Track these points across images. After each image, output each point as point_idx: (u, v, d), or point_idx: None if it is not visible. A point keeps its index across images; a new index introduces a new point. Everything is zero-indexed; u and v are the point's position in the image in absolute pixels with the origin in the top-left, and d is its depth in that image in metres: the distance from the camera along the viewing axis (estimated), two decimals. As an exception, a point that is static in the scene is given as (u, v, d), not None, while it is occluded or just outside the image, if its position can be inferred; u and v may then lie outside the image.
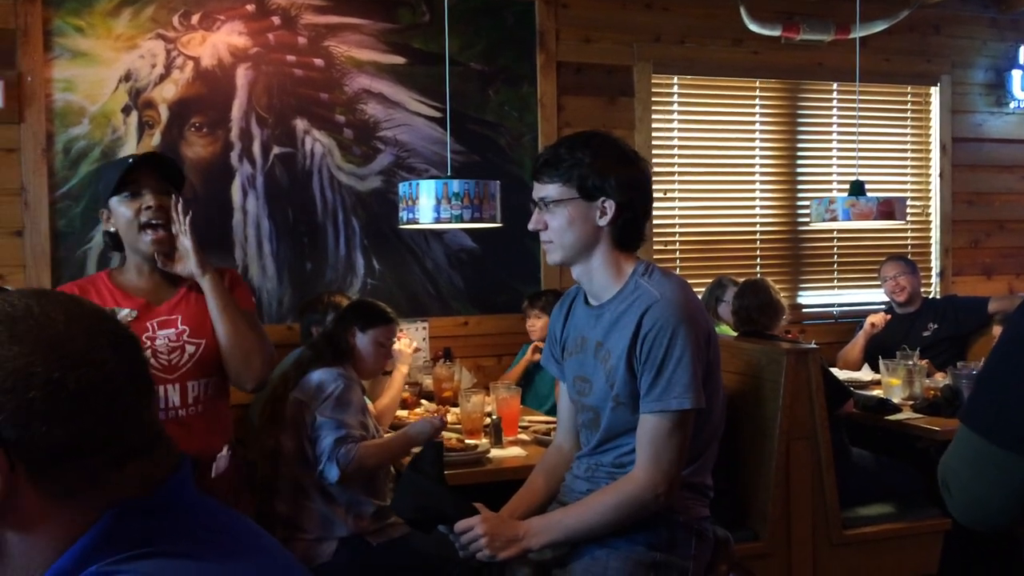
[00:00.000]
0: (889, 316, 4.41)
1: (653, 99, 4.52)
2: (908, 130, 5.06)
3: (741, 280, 3.86)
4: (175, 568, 0.83)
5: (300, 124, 3.96)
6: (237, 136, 3.88)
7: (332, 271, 4.02)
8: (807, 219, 4.51)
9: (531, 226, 1.95)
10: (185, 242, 2.17)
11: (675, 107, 4.62)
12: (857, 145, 4.43)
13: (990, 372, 1.21)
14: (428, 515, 1.89)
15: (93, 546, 0.82)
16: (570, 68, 4.35)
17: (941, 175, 5.04)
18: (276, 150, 3.93)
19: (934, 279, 5.07)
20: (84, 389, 0.81)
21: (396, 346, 3.20)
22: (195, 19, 3.81)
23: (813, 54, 4.72)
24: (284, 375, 2.85)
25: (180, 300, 2.22)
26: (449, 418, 3.42)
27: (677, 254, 4.64)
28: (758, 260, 4.80)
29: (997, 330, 4.02)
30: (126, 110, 3.74)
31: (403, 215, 3.26)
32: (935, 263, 5.08)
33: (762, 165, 4.79)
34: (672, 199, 4.63)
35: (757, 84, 4.75)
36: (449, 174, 3.50)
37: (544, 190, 1.92)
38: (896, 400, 3.56)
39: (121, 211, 2.17)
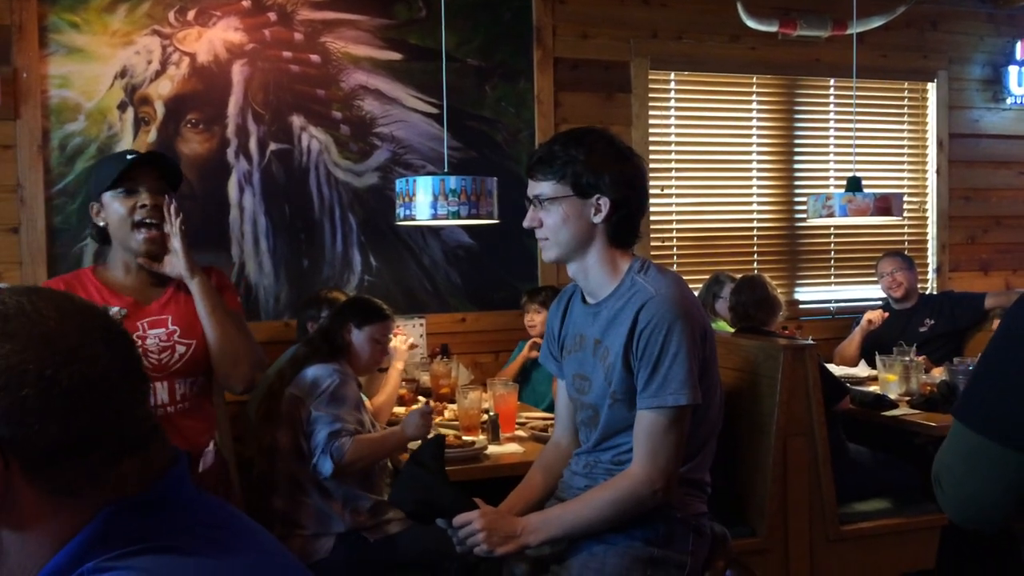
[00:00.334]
0: (886, 313, 4.42)
1: (650, 95, 4.51)
2: (905, 126, 5.06)
3: (738, 276, 3.86)
4: (172, 564, 0.82)
5: (297, 120, 3.95)
6: (233, 132, 3.87)
7: (329, 267, 4.02)
8: (804, 215, 4.51)
9: (526, 223, 1.95)
10: (176, 243, 2.17)
11: (672, 103, 4.62)
12: (854, 141, 4.43)
13: (985, 368, 1.21)
14: (428, 508, 1.89)
15: (89, 543, 0.82)
16: (567, 64, 4.35)
17: (938, 171, 5.04)
18: (273, 146, 3.93)
19: (931, 275, 5.08)
20: (77, 385, 0.81)
21: (392, 343, 3.20)
22: (191, 15, 3.80)
23: (810, 50, 4.72)
24: (280, 371, 2.85)
25: (169, 300, 2.22)
26: (447, 414, 3.42)
27: (674, 250, 4.64)
28: (755, 256, 4.80)
29: (995, 325, 4.02)
30: (122, 106, 3.73)
31: (400, 212, 3.25)
32: (932, 259, 5.09)
33: (759, 161, 4.79)
34: (669, 195, 4.62)
35: (754, 80, 4.75)
36: (446, 170, 3.50)
37: (538, 188, 1.92)
38: (893, 396, 3.57)
39: (115, 207, 2.16)
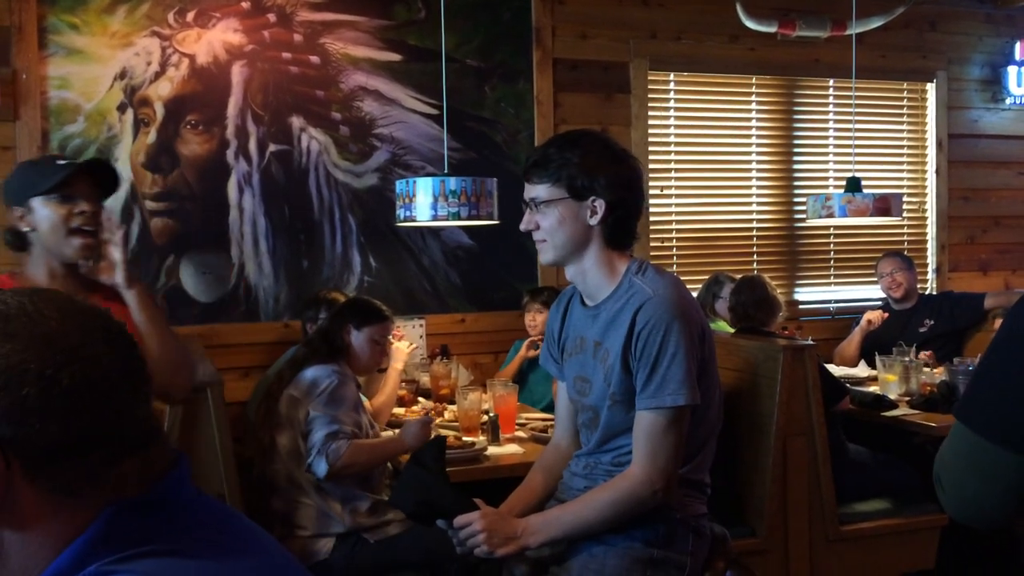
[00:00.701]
0: (886, 313, 4.42)
1: (649, 96, 4.51)
2: (904, 126, 5.06)
3: (738, 277, 3.86)
4: (173, 567, 0.82)
5: (296, 121, 3.95)
6: (233, 134, 3.87)
7: (329, 268, 4.02)
8: (803, 215, 4.50)
9: (523, 226, 1.95)
10: (116, 253, 2.12)
11: (671, 104, 4.62)
12: (853, 141, 4.43)
13: (986, 368, 1.21)
14: (428, 509, 1.89)
15: (91, 545, 0.82)
16: (566, 64, 4.35)
17: (937, 171, 5.04)
18: (272, 147, 3.93)
19: (930, 275, 5.08)
20: (78, 385, 0.81)
21: (394, 344, 3.20)
22: (190, 16, 3.80)
23: (809, 50, 4.72)
24: (279, 373, 2.85)
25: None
26: (446, 415, 3.42)
27: (674, 251, 4.64)
28: (755, 257, 4.80)
29: (996, 325, 4.03)
30: (121, 108, 3.73)
31: (400, 213, 3.25)
32: (931, 259, 5.09)
33: (758, 162, 4.79)
34: (669, 196, 4.63)
35: (753, 80, 4.75)
36: (446, 171, 3.49)
37: (534, 191, 1.92)
38: (892, 396, 3.57)
39: (46, 213, 2.08)
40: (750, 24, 4.39)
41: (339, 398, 2.71)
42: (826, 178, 4.91)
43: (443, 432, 2.95)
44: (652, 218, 4.52)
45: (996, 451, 1.12)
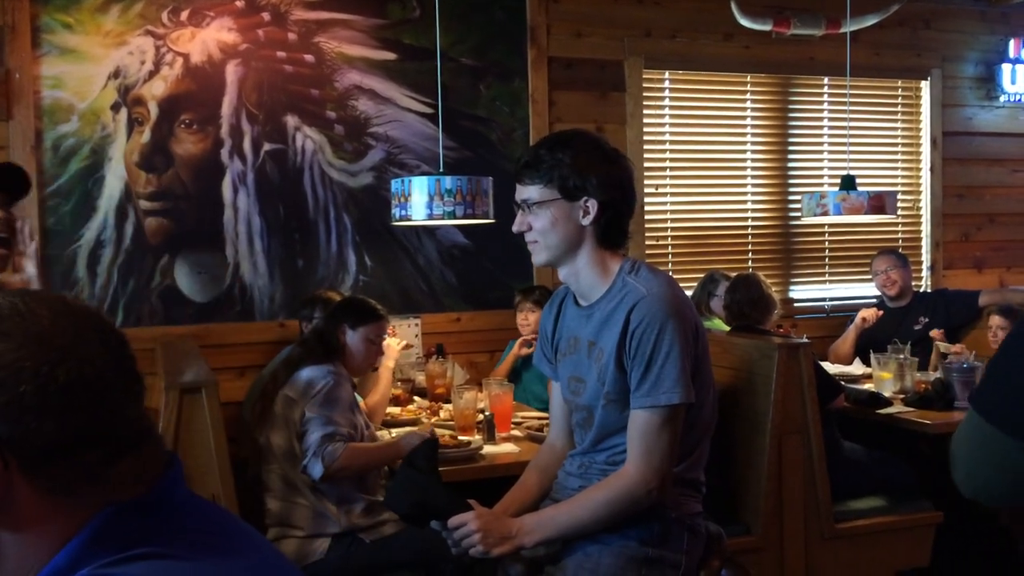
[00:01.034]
0: (881, 311, 4.43)
1: (644, 94, 4.52)
2: (899, 124, 5.07)
3: (733, 275, 3.86)
4: (168, 570, 0.83)
5: (291, 120, 3.95)
6: (227, 133, 3.86)
7: (324, 268, 4.01)
8: (798, 214, 4.51)
9: (515, 228, 1.95)
10: (32, 268, 2.07)
11: (666, 102, 4.62)
12: (848, 139, 4.44)
13: (1003, 358, 1.24)
14: (422, 510, 1.89)
15: (86, 546, 0.83)
16: (561, 63, 4.35)
17: (932, 169, 5.05)
18: (267, 147, 3.92)
19: (925, 273, 5.09)
20: (74, 382, 0.82)
21: (385, 341, 3.19)
22: (184, 15, 3.79)
23: (804, 49, 4.73)
24: (274, 373, 2.84)
25: None
26: (442, 415, 3.42)
27: (669, 249, 4.65)
28: (750, 255, 4.80)
29: (992, 320, 4.04)
30: (115, 107, 3.72)
31: (396, 212, 3.25)
32: (926, 257, 5.10)
33: (753, 160, 4.80)
34: (664, 194, 4.63)
35: (748, 79, 4.76)
36: (441, 170, 3.49)
37: (526, 192, 1.92)
38: (887, 394, 3.57)
39: None
40: (745, 22, 4.40)
41: (335, 399, 2.71)
42: (821, 176, 4.91)
43: (439, 431, 2.95)
44: (647, 216, 4.53)
45: (1007, 441, 1.16)
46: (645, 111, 4.52)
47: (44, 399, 0.80)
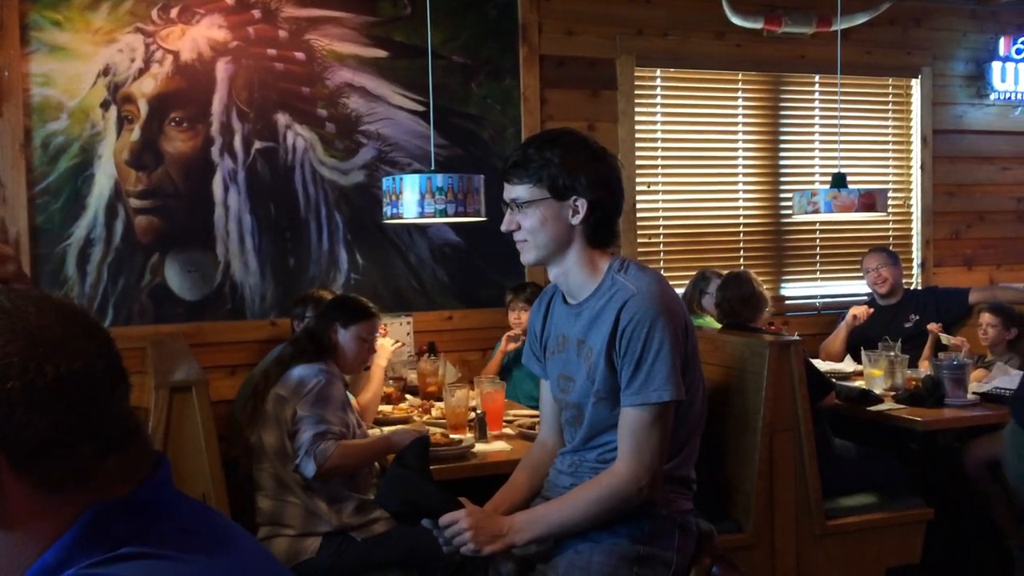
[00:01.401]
0: (871, 308, 4.44)
1: (636, 92, 4.52)
2: (889, 122, 5.08)
3: (724, 272, 3.87)
4: (156, 569, 0.82)
5: (282, 118, 3.94)
6: (218, 131, 3.85)
7: (315, 266, 4.01)
8: (790, 211, 4.52)
9: (504, 227, 1.95)
10: None
11: (658, 100, 4.62)
12: (839, 137, 4.45)
13: None
14: (413, 509, 1.88)
15: (74, 544, 0.83)
16: (553, 61, 4.35)
17: (922, 167, 5.07)
18: (257, 144, 3.91)
19: (915, 270, 5.10)
20: (62, 378, 0.82)
21: (378, 340, 3.19)
22: (174, 13, 3.78)
23: (795, 47, 4.73)
24: (266, 371, 2.84)
25: None
26: (434, 412, 3.42)
27: (661, 247, 4.65)
28: (741, 252, 4.81)
29: (983, 318, 4.05)
30: (105, 105, 3.71)
31: (387, 210, 3.24)
32: (916, 254, 5.11)
33: (745, 158, 4.81)
34: (655, 192, 4.63)
35: (740, 77, 4.76)
36: (432, 168, 3.49)
37: (515, 191, 1.92)
38: (878, 391, 3.58)
39: None
40: (736, 20, 4.40)
41: (326, 397, 2.70)
42: (812, 174, 4.92)
43: (431, 429, 2.95)
44: (639, 214, 4.53)
45: None
46: (637, 109, 4.52)
47: (32, 395, 0.80)
